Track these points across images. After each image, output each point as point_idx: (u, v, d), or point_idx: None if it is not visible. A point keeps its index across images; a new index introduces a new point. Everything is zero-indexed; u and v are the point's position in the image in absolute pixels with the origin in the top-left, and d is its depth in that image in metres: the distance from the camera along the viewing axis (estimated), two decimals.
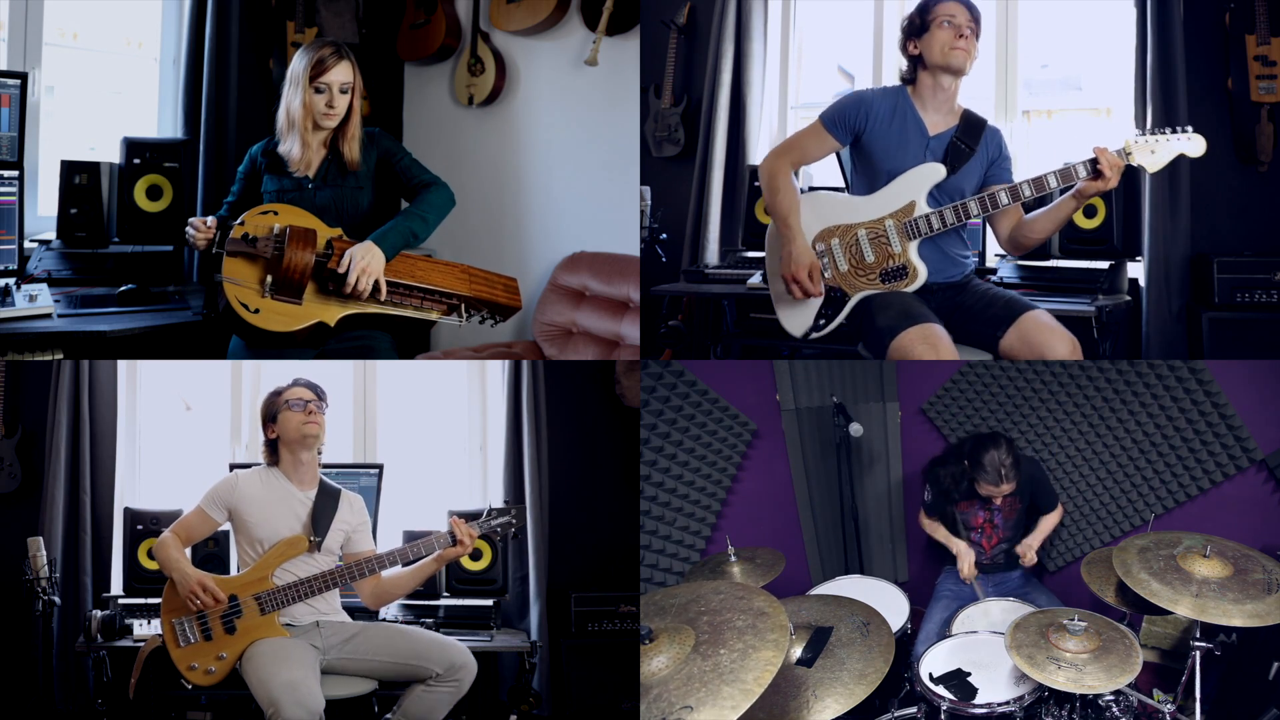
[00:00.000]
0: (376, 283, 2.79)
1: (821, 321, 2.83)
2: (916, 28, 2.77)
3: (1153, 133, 2.66)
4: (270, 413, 2.70)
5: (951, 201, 2.76)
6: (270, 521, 2.62)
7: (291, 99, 2.87)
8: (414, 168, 3.03)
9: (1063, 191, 2.72)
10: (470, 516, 2.71)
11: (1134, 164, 2.65)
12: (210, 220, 2.80)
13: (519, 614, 3.50)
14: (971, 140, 2.79)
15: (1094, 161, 2.62)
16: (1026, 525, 3.09)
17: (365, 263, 2.76)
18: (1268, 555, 2.47)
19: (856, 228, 2.81)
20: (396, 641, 2.60)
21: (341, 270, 2.75)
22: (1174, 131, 2.66)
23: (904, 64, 2.85)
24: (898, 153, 2.79)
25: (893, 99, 2.83)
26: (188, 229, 2.80)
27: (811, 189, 3.61)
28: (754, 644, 2.04)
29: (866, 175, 2.87)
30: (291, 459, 2.69)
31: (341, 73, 2.86)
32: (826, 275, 2.82)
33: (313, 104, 2.85)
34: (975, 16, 2.75)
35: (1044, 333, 2.67)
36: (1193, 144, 2.66)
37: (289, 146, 2.90)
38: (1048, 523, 3.09)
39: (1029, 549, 3.01)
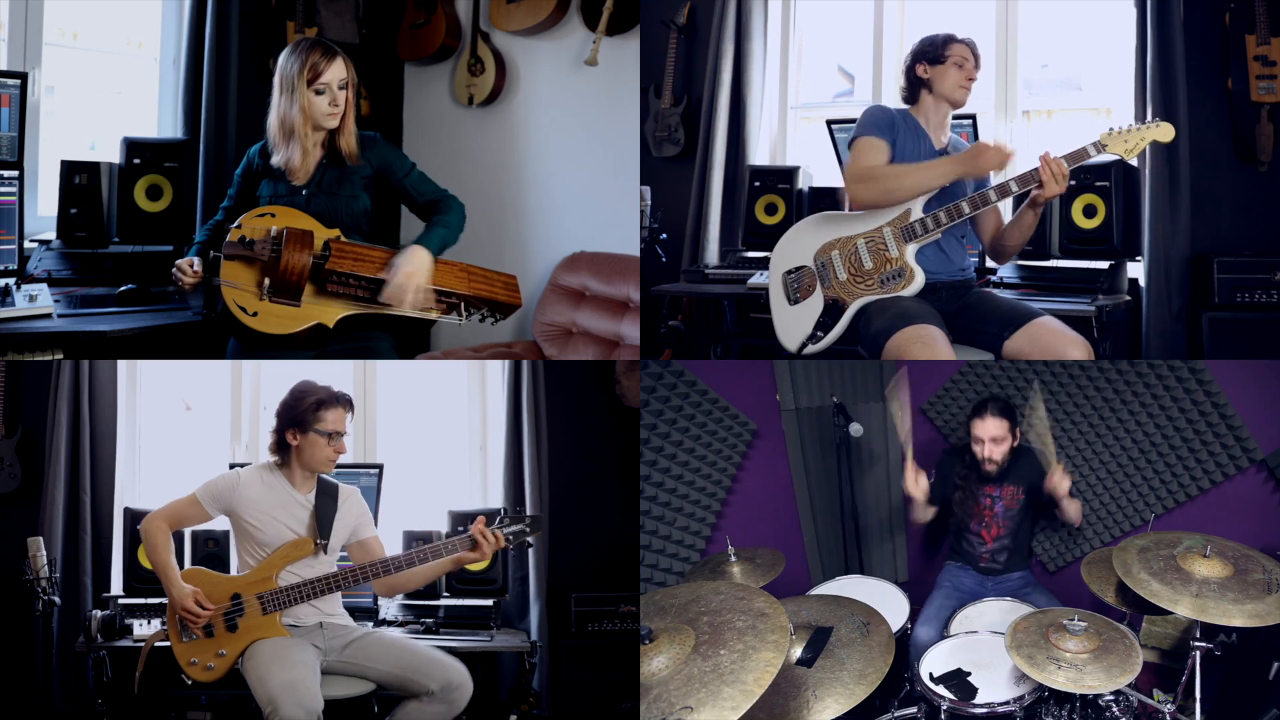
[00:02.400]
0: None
1: (819, 333, 2.91)
2: (932, 56, 2.93)
3: (1127, 127, 2.76)
4: (299, 420, 2.63)
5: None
6: (271, 526, 2.62)
7: (288, 107, 2.79)
8: (422, 183, 2.98)
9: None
10: (485, 518, 2.67)
11: (1110, 154, 2.75)
12: (197, 265, 2.78)
13: (519, 614, 3.50)
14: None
15: (1036, 170, 2.74)
16: (1032, 520, 3.10)
17: (411, 268, 2.77)
18: (1268, 555, 2.47)
19: (855, 238, 2.90)
20: (396, 652, 2.59)
21: (385, 275, 2.76)
22: (1145, 123, 2.77)
23: (903, 81, 3.00)
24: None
25: (906, 118, 2.97)
26: (174, 272, 2.78)
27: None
28: (754, 645, 2.04)
29: None
30: (300, 469, 2.67)
31: (338, 70, 2.81)
32: (825, 288, 2.90)
33: (313, 108, 2.79)
34: (979, 60, 2.96)
35: (1057, 338, 2.70)
36: (1162, 130, 2.76)
37: (287, 155, 2.83)
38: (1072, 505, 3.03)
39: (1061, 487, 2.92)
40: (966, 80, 2.92)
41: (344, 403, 2.67)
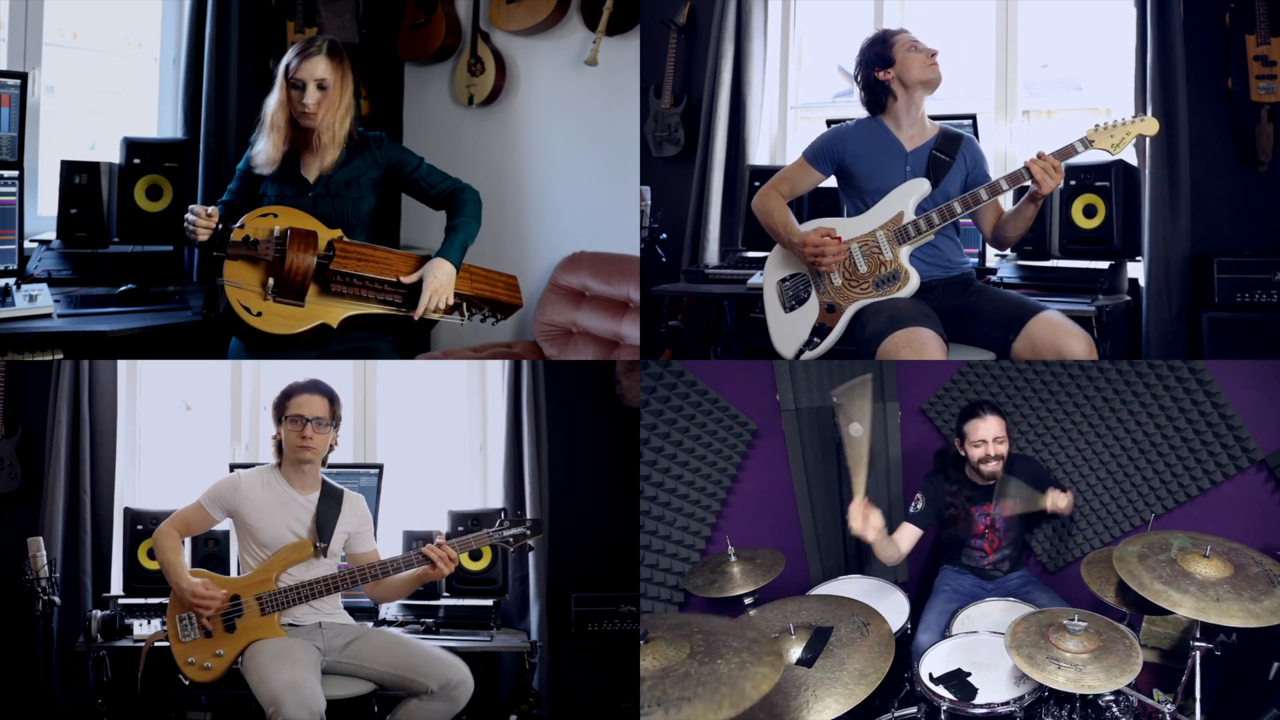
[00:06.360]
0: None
1: (815, 339, 2.92)
2: (883, 59, 2.91)
3: (1112, 122, 2.76)
4: (276, 413, 2.68)
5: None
6: (272, 527, 2.62)
7: (269, 97, 2.85)
8: (433, 175, 3.00)
9: (1029, 176, 2.78)
10: (482, 518, 2.68)
11: (1097, 149, 2.76)
12: (212, 209, 2.75)
13: (519, 614, 3.50)
14: (950, 150, 2.90)
15: (1028, 169, 2.75)
16: (1028, 531, 3.09)
17: (436, 284, 2.81)
18: (1254, 549, 2.48)
19: (849, 244, 2.89)
20: (395, 651, 2.59)
21: (411, 282, 2.80)
22: (1130, 118, 2.77)
23: (864, 95, 2.98)
24: (880, 172, 2.92)
25: (868, 126, 2.99)
26: (187, 216, 2.74)
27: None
28: (750, 660, 2.05)
29: (855, 200, 2.97)
30: (293, 465, 2.68)
31: (315, 67, 2.80)
32: (821, 294, 2.91)
33: (290, 101, 2.81)
34: None
35: (1059, 334, 2.71)
36: (1147, 124, 2.77)
37: (260, 145, 2.86)
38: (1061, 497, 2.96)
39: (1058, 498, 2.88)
40: (930, 58, 2.88)
41: (314, 389, 2.68)
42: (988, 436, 2.88)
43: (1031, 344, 2.73)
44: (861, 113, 3.07)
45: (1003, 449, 2.90)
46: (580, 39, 3.90)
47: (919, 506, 2.94)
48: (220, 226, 2.74)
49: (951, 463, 3.02)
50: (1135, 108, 3.53)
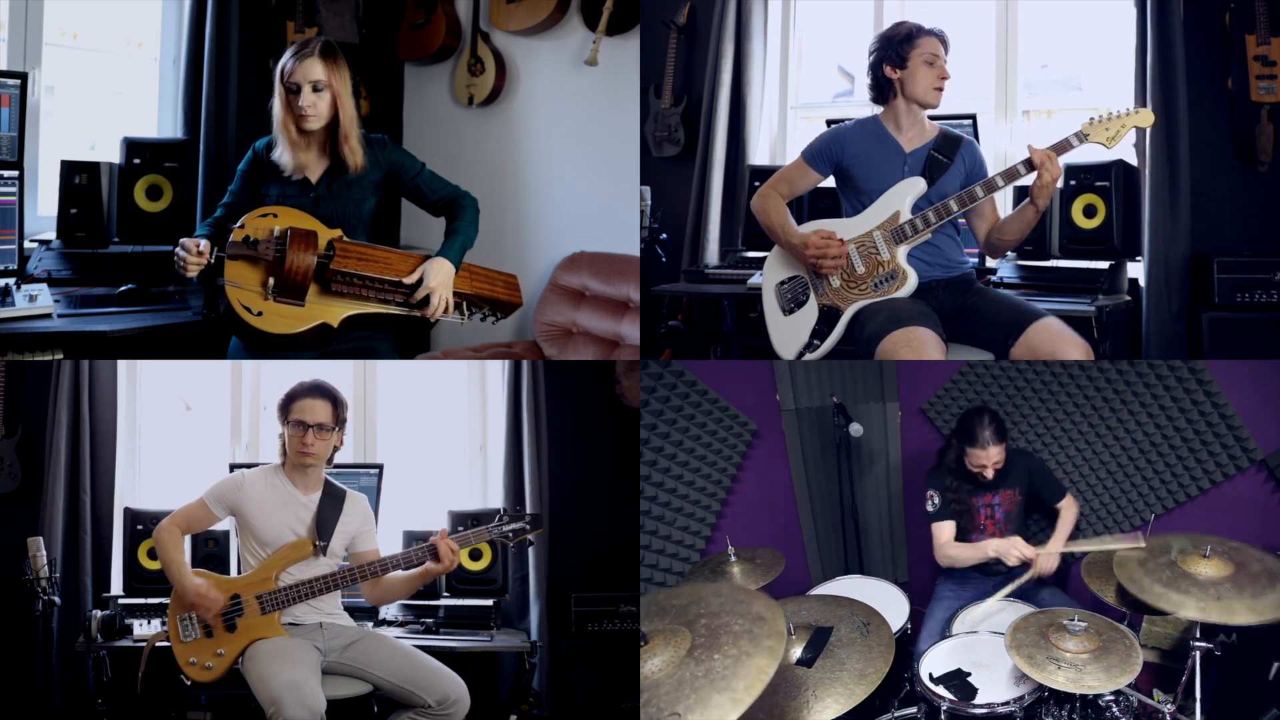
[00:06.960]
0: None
1: (815, 341, 2.91)
2: (898, 58, 2.86)
3: (1108, 115, 2.76)
4: (281, 415, 2.68)
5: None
6: (274, 526, 2.62)
7: (273, 104, 2.83)
8: (434, 181, 3.00)
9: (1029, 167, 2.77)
10: (482, 518, 2.68)
11: (1093, 143, 2.76)
12: (204, 245, 2.69)
13: (519, 614, 3.50)
14: (949, 152, 2.89)
15: (1027, 161, 2.74)
16: (1027, 521, 3.09)
17: (436, 283, 2.82)
18: (1255, 546, 2.48)
19: (846, 245, 2.88)
20: (396, 660, 2.58)
21: (411, 281, 2.81)
22: (1125, 111, 2.76)
23: (869, 80, 2.95)
24: (878, 172, 2.90)
25: (866, 126, 2.97)
26: (178, 251, 2.70)
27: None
28: (749, 650, 2.03)
29: (854, 200, 2.97)
30: (296, 466, 2.68)
31: (309, 69, 2.75)
32: (820, 296, 2.90)
33: (288, 105, 2.79)
34: (948, 49, 2.88)
35: (1058, 342, 2.70)
36: (1142, 116, 2.78)
37: (279, 153, 2.84)
38: (1066, 521, 3.03)
39: (1051, 556, 2.90)
40: (939, 80, 2.84)
41: (317, 393, 2.67)
42: (987, 463, 2.91)
43: (1030, 350, 2.73)
44: (862, 111, 3.06)
45: (1001, 460, 2.92)
46: (580, 39, 3.90)
47: (936, 503, 2.96)
48: (212, 262, 2.72)
49: (951, 458, 3.02)
50: (1135, 108, 3.52)
